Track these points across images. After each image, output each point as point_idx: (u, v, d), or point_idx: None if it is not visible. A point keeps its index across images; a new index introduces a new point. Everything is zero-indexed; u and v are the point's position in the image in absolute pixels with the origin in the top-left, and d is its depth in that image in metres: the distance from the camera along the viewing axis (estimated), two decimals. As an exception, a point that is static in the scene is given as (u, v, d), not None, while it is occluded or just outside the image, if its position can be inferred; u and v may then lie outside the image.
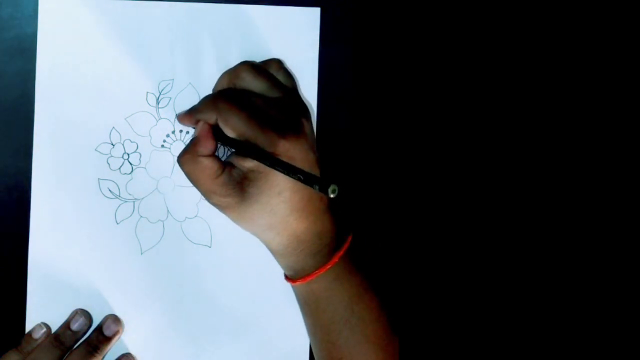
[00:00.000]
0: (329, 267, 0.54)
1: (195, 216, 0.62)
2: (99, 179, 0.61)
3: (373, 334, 0.55)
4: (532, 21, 0.64)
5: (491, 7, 0.63)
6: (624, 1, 0.64)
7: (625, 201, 0.64)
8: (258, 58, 0.61)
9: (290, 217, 0.53)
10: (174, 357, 0.61)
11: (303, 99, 0.59)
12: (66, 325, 0.60)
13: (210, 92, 0.61)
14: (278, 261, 0.57)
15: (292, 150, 0.52)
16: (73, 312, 0.60)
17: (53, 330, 0.60)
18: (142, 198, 0.61)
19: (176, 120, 0.61)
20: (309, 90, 0.62)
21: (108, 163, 0.61)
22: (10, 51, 0.61)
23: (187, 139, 0.61)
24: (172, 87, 0.61)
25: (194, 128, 0.57)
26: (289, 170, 0.48)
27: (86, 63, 0.61)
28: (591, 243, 0.64)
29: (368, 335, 0.55)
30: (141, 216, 0.61)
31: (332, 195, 0.44)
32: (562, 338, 0.64)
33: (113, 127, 0.61)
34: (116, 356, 0.61)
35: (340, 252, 0.55)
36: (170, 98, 0.61)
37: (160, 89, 0.61)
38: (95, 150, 0.61)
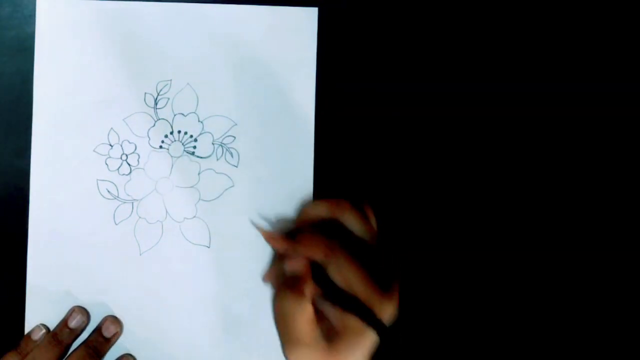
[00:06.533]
0: None
1: (194, 217, 0.61)
2: (97, 179, 0.61)
3: None
4: (534, 21, 0.63)
5: (491, 5, 0.63)
6: (624, 1, 0.64)
7: (626, 201, 0.64)
8: (255, 58, 0.61)
9: None
10: (174, 357, 0.62)
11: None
12: (64, 322, 0.60)
13: (208, 93, 0.61)
14: None
15: (384, 312, 0.49)
16: (70, 309, 0.60)
17: (52, 331, 0.60)
18: (141, 199, 0.61)
19: (175, 121, 0.61)
20: (306, 91, 0.62)
21: (106, 164, 0.61)
22: (9, 51, 0.61)
23: (186, 139, 0.61)
24: (170, 87, 0.61)
25: (274, 249, 0.54)
26: (384, 334, 0.46)
27: (84, 64, 0.61)
28: (591, 244, 0.64)
29: None
30: (140, 217, 0.61)
31: None
32: (561, 339, 0.64)
33: (111, 128, 0.61)
34: (116, 356, 0.61)
35: None
36: (169, 99, 0.61)
37: (159, 89, 0.61)
38: (94, 151, 0.61)
